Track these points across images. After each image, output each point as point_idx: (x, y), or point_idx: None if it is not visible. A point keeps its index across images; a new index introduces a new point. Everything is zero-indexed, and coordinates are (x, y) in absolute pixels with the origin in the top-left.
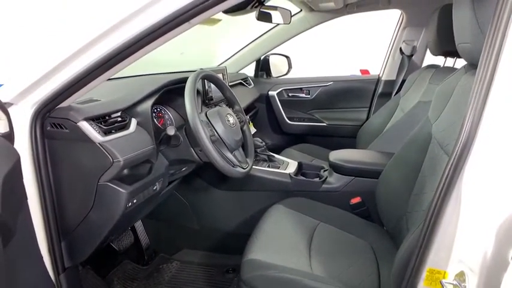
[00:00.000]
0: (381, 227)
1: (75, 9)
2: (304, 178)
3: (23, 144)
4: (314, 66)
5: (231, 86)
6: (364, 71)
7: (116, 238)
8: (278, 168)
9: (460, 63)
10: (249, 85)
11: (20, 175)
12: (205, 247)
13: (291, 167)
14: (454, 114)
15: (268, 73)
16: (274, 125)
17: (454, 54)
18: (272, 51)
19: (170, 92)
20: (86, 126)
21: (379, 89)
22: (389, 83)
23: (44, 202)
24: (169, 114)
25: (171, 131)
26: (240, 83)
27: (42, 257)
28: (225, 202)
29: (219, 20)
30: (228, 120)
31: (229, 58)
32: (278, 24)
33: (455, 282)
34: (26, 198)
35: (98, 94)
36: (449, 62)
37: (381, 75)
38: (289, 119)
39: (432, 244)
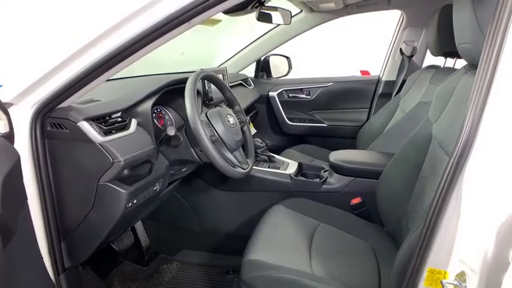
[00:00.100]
0: (381, 227)
1: (75, 9)
2: (304, 179)
3: (23, 145)
4: (314, 67)
5: (231, 86)
6: (364, 72)
7: (116, 239)
8: (278, 168)
9: (460, 63)
10: (249, 86)
11: (20, 175)
12: (206, 248)
13: (291, 167)
14: (455, 115)
15: (269, 74)
16: (274, 125)
17: (454, 54)
18: (272, 52)
19: (170, 93)
20: (86, 127)
21: (380, 90)
22: (390, 84)
23: (44, 202)
24: (170, 114)
25: (171, 132)
26: (240, 84)
27: (42, 258)
28: (225, 202)
29: (220, 21)
30: (228, 121)
31: (229, 59)
32: (278, 24)
33: (455, 283)
34: (26, 199)
35: (98, 94)
36: (450, 62)
37: (381, 75)
38: (290, 119)
39: (432, 244)
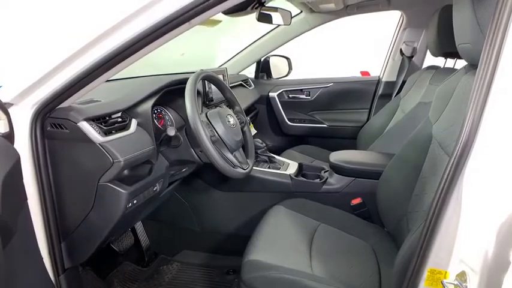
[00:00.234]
0: (382, 227)
1: (75, 10)
2: (304, 179)
3: (23, 145)
4: (314, 68)
5: (231, 87)
6: (365, 73)
7: (116, 239)
8: (278, 169)
9: (460, 64)
10: (249, 86)
11: (20, 175)
12: (206, 248)
13: (292, 168)
14: (455, 115)
15: (269, 74)
16: (274, 126)
17: (455, 55)
18: (272, 53)
19: (171, 93)
20: (86, 127)
21: (380, 90)
22: (390, 84)
23: (44, 202)
24: (170, 115)
25: (171, 132)
26: (241, 84)
27: (42, 258)
28: (225, 203)
29: (220, 22)
30: (229, 121)
31: (229, 59)
32: (278, 25)
33: (456, 282)
34: (26, 199)
35: (99, 95)
36: (450, 63)
37: (381, 76)
38: (290, 120)
39: (433, 244)
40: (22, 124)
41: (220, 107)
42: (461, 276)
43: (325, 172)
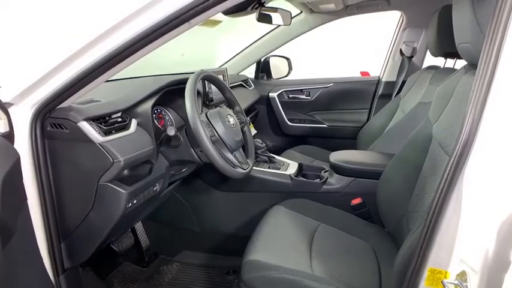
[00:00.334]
0: (382, 228)
1: (75, 10)
2: (304, 179)
3: (23, 144)
4: (314, 68)
5: (231, 87)
6: (364, 73)
7: (116, 239)
8: (279, 169)
9: (460, 64)
10: (249, 87)
11: (20, 175)
12: (206, 248)
13: (292, 168)
14: (455, 115)
15: (269, 75)
16: (274, 126)
17: (454, 55)
18: (272, 53)
19: (171, 93)
20: (86, 127)
21: (380, 91)
22: (390, 84)
23: (43, 202)
24: (170, 115)
25: (171, 132)
26: (241, 85)
27: (41, 258)
28: (225, 203)
29: (220, 22)
30: (229, 121)
31: (229, 60)
32: (278, 25)
33: (456, 282)
34: (26, 199)
35: (99, 95)
36: (450, 63)
37: (381, 76)
38: (290, 120)
39: (433, 244)
40: (22, 124)
41: (220, 107)
42: (462, 276)
43: (325, 172)
